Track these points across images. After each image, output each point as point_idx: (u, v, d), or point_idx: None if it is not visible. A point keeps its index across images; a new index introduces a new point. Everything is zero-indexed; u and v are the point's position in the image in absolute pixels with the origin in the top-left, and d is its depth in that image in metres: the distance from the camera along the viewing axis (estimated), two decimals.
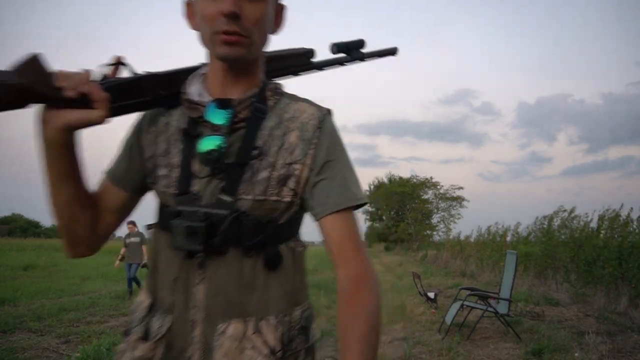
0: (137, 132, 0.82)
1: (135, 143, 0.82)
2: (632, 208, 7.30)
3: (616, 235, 7.37)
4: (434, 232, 39.32)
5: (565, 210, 9.47)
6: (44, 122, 0.67)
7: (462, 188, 41.40)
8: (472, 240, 16.26)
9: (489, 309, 5.00)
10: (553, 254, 8.96)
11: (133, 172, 0.81)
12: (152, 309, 0.76)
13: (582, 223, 8.67)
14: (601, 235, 7.89)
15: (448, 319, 5.11)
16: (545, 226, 10.09)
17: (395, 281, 10.57)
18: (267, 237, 0.73)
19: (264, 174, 0.73)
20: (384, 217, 46.21)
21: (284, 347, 0.73)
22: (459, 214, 41.27)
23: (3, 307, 6.06)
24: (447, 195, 41.53)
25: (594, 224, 8.31)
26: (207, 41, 0.73)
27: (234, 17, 0.67)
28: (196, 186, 0.74)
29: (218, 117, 0.73)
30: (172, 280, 0.74)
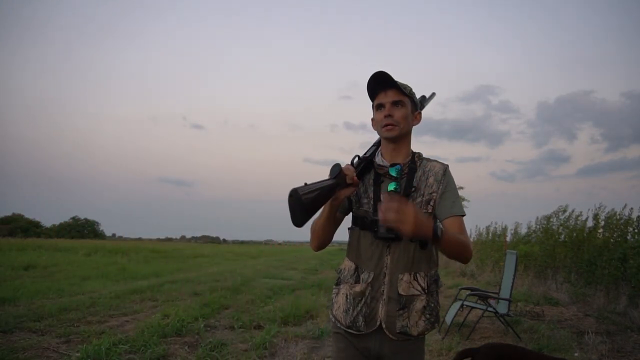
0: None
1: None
2: (632, 208, 7.24)
3: (615, 235, 7.33)
4: None
5: (565, 211, 9.44)
6: (335, 197, 1.36)
7: (461, 188, 41.38)
8: (471, 239, 16.20)
9: (489, 308, 5.01)
10: (553, 253, 8.96)
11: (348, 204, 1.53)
12: (357, 270, 1.47)
13: (579, 223, 8.63)
14: (599, 234, 7.85)
15: (448, 319, 5.12)
16: (545, 226, 10.06)
17: None
18: None
19: (418, 200, 1.44)
20: None
21: (428, 288, 1.43)
22: None
23: (3, 307, 6.07)
24: None
25: (589, 223, 8.27)
26: (379, 131, 1.49)
27: (388, 116, 1.44)
28: None
29: (394, 172, 1.43)
30: (371, 255, 1.44)
